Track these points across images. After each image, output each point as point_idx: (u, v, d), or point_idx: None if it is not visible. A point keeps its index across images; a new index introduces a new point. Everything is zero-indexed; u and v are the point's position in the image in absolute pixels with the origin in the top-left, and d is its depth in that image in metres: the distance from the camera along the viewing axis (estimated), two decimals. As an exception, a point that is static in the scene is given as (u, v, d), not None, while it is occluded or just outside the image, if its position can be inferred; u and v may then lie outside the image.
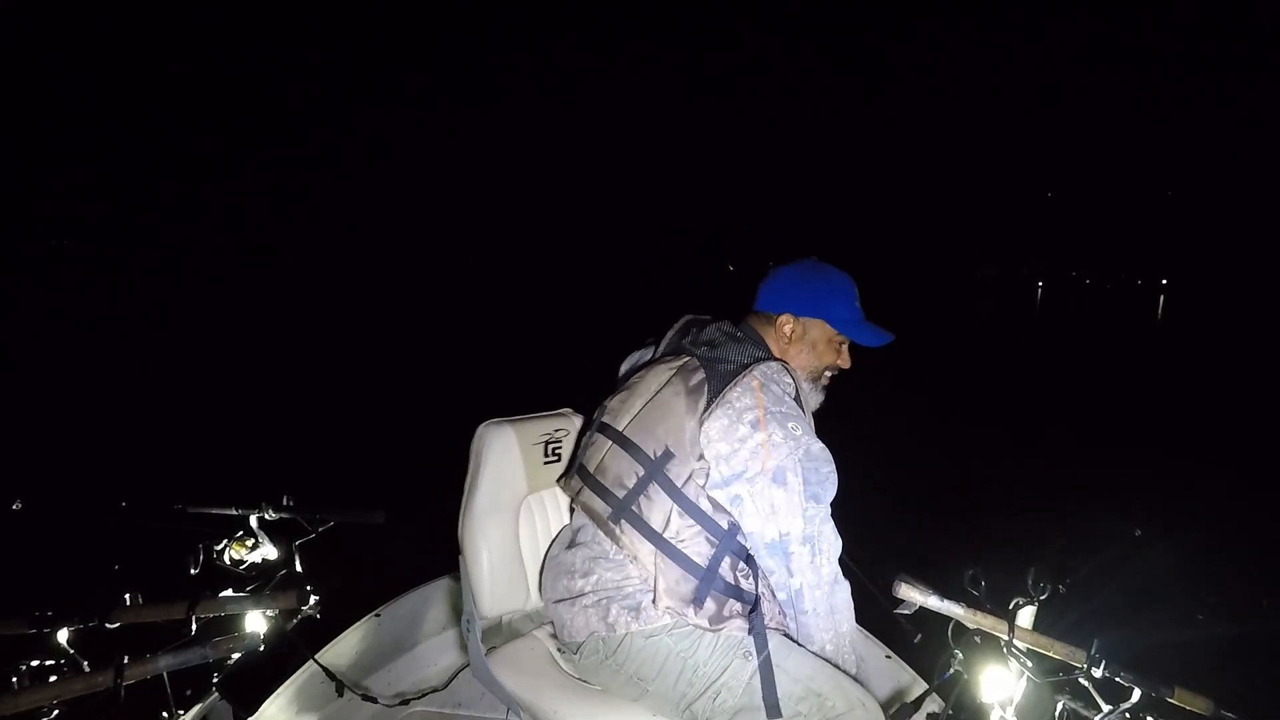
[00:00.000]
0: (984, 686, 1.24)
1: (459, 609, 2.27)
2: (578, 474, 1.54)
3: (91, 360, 10.31)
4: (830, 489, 1.37)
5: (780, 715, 1.28)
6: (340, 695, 1.54)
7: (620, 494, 1.41)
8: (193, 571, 1.43)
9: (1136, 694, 1.15)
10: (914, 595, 1.23)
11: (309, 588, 1.38)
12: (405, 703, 2.00)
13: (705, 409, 1.36)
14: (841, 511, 1.40)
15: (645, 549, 1.37)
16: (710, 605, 1.36)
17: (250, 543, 1.51)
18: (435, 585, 2.24)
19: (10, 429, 6.20)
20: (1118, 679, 1.15)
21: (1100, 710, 1.15)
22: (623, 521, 1.40)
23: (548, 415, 1.80)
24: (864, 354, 1.63)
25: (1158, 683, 1.15)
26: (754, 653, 1.33)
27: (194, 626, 1.26)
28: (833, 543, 1.38)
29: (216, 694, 1.27)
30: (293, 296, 21.00)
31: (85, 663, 1.19)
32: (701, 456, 1.35)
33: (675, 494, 1.36)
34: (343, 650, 1.91)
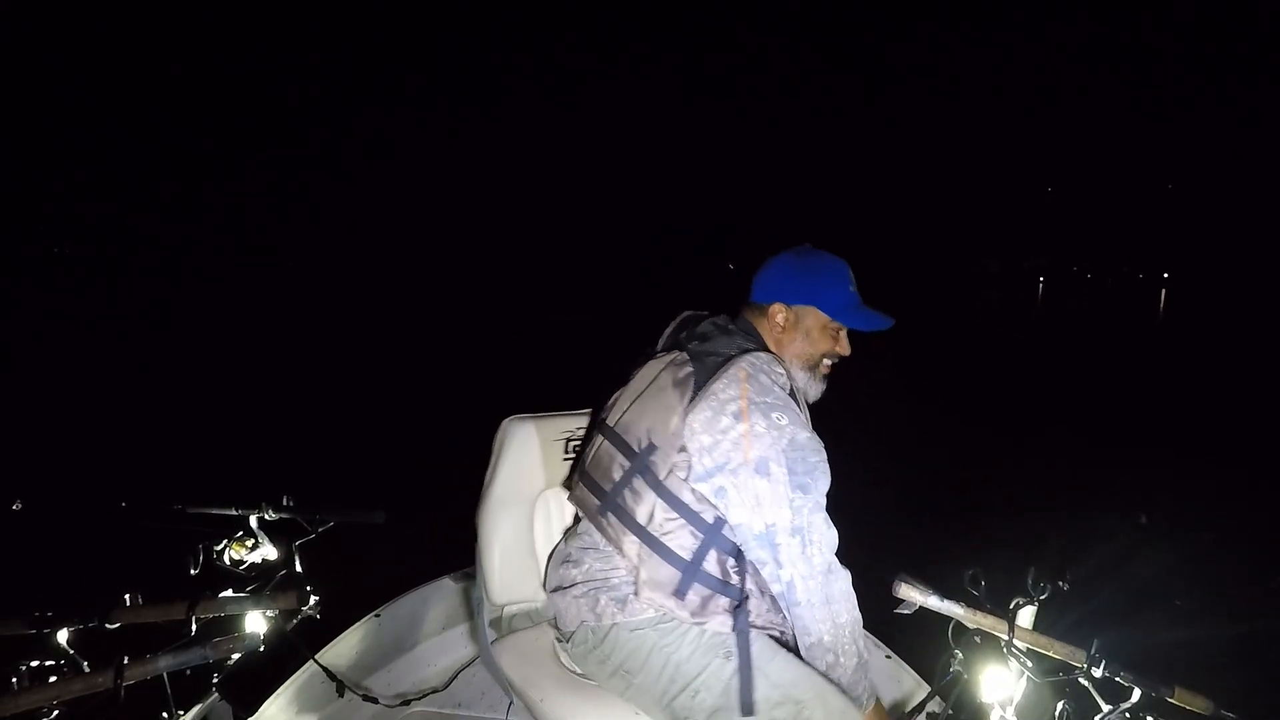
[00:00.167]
0: (984, 686, 1.24)
1: (459, 609, 2.27)
2: (576, 470, 1.56)
3: (91, 360, 10.32)
4: (820, 479, 1.33)
5: (753, 715, 1.27)
6: (340, 695, 1.55)
7: (608, 487, 1.42)
8: (193, 572, 1.43)
9: (1136, 694, 1.15)
10: (914, 595, 1.23)
11: (309, 588, 1.38)
12: (405, 703, 2.00)
13: (690, 401, 1.35)
14: (842, 511, 1.40)
15: (630, 541, 1.38)
16: (693, 598, 1.35)
17: (250, 543, 1.51)
18: (435, 585, 2.24)
19: (10, 429, 6.20)
20: (1118, 679, 1.15)
21: (1100, 710, 1.15)
22: (609, 514, 1.41)
23: (570, 414, 1.84)
24: (865, 354, 1.62)
25: (1158, 683, 1.15)
26: (735, 652, 1.32)
27: (194, 627, 1.27)
28: (824, 533, 1.33)
29: (216, 694, 1.28)
30: (293, 296, 21.00)
31: (85, 663, 1.19)
32: (683, 449, 1.34)
33: (658, 487, 1.35)
34: (343, 650, 1.91)
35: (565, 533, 1.72)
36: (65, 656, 1.20)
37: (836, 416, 1.66)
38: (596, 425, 1.55)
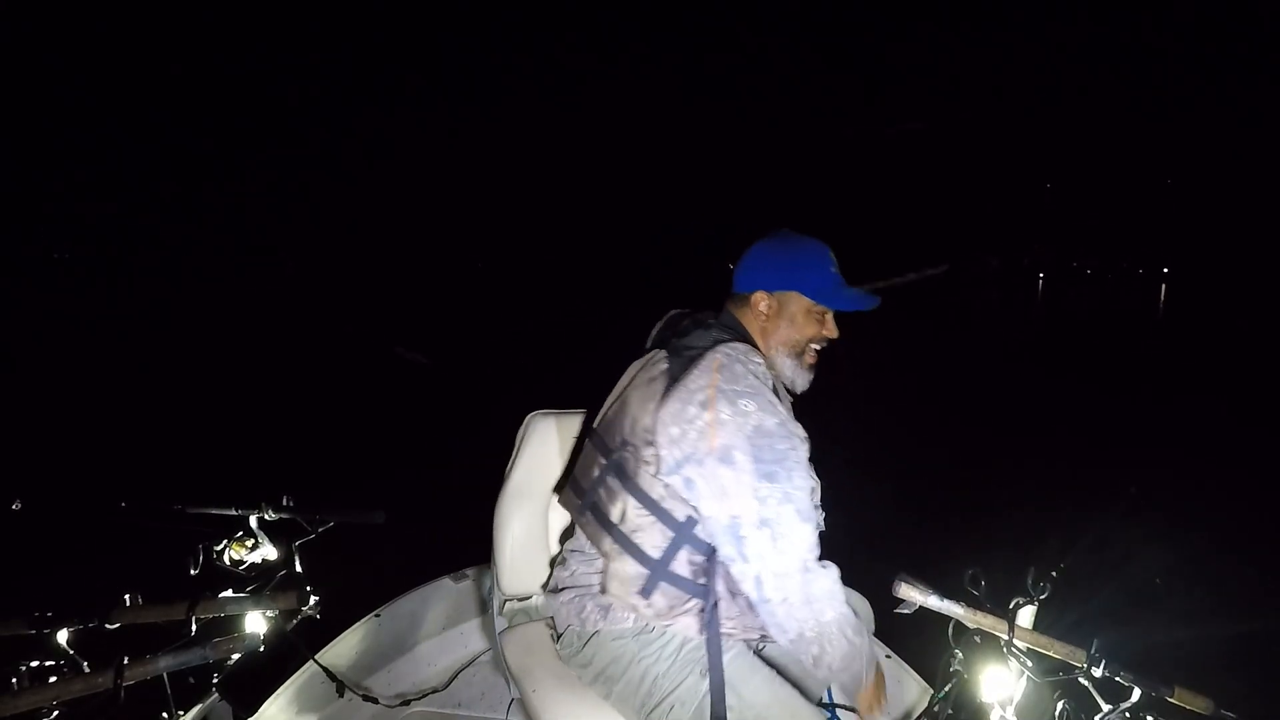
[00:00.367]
0: (984, 686, 1.24)
1: (459, 609, 2.28)
2: (567, 473, 1.57)
3: (91, 360, 10.32)
4: (792, 469, 1.27)
5: None
6: (340, 695, 1.55)
7: (586, 486, 1.43)
8: (193, 572, 1.43)
9: (1136, 694, 1.15)
10: (914, 595, 1.23)
11: (309, 588, 1.39)
12: (405, 703, 2.00)
13: (663, 395, 1.32)
14: (842, 511, 1.39)
15: (606, 540, 1.36)
16: (659, 599, 1.32)
17: (250, 543, 1.51)
18: (435, 585, 2.24)
19: (10, 429, 6.20)
20: (1118, 679, 1.15)
21: (1100, 710, 1.15)
22: (588, 513, 1.41)
23: None
24: (865, 353, 1.62)
25: (1158, 682, 1.14)
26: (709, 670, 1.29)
27: (194, 627, 1.27)
28: (797, 526, 1.25)
29: (216, 694, 1.28)
30: (293, 297, 20.99)
31: (85, 663, 1.19)
32: (652, 443, 1.31)
33: (629, 484, 1.33)
34: (343, 650, 1.91)
35: (562, 534, 1.73)
36: (65, 657, 1.20)
37: (837, 417, 1.66)
38: (586, 428, 1.56)
